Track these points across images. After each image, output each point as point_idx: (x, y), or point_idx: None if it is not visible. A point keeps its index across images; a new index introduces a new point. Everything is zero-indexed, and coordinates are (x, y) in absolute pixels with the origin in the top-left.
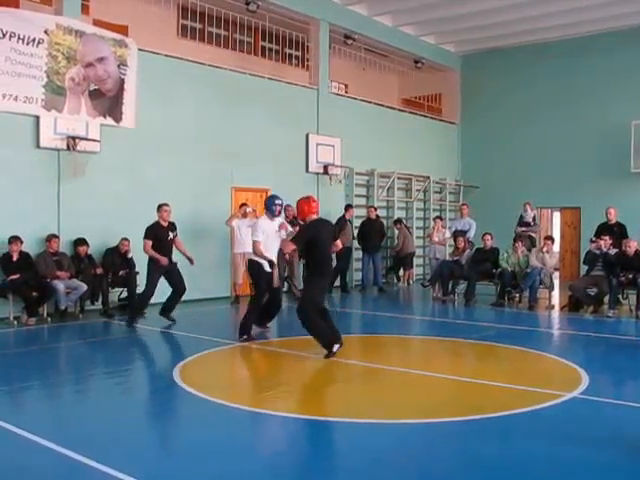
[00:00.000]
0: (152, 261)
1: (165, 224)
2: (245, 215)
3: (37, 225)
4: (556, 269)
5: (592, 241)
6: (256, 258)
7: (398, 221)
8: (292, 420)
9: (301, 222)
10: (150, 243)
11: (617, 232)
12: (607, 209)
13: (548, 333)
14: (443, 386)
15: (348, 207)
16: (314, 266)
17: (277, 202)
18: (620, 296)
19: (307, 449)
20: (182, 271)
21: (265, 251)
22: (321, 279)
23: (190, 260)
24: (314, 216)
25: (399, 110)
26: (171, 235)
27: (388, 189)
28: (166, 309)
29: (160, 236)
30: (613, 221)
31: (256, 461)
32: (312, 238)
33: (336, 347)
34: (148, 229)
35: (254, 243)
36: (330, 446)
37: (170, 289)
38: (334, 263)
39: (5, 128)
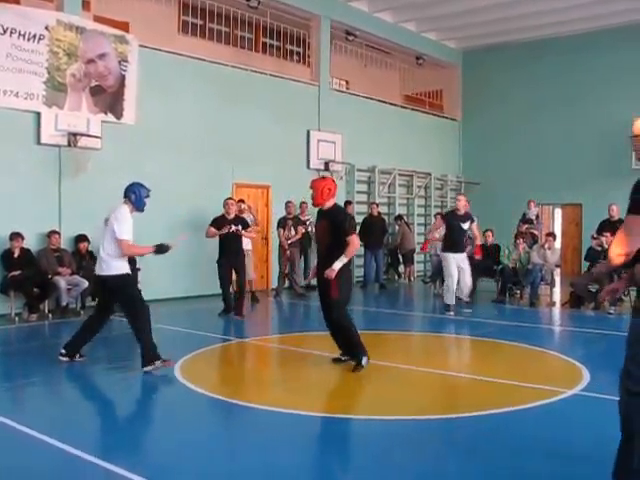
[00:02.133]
0: (219, 259)
1: (229, 217)
2: (241, 212)
3: (38, 221)
4: (557, 266)
5: (594, 238)
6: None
7: (399, 217)
8: (293, 417)
9: (319, 207)
10: (211, 229)
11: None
12: (609, 205)
13: (549, 330)
14: (442, 383)
15: (347, 203)
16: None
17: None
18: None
19: (308, 446)
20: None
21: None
22: (350, 274)
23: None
24: (333, 201)
25: (400, 106)
26: (233, 228)
27: (389, 186)
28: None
29: (221, 227)
30: (615, 218)
31: (259, 458)
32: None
33: (366, 360)
34: (213, 220)
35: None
36: (331, 443)
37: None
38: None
39: (6, 124)
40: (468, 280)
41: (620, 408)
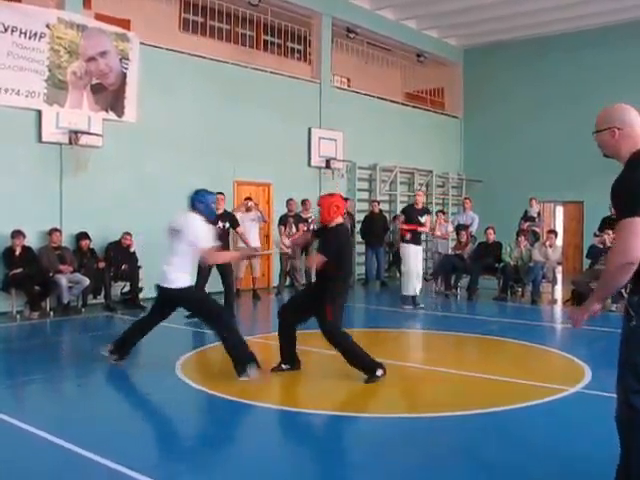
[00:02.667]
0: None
1: (219, 212)
2: (248, 209)
3: (39, 219)
4: (559, 263)
5: (596, 235)
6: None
7: (396, 217)
8: (295, 415)
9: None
10: None
11: None
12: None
13: (551, 327)
14: (444, 380)
15: (345, 200)
16: (339, 279)
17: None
18: (623, 290)
19: (309, 443)
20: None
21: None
22: (345, 294)
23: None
24: (341, 218)
25: (402, 104)
26: (220, 225)
27: (390, 183)
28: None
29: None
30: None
31: (260, 455)
32: (346, 246)
33: (380, 372)
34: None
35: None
36: (332, 440)
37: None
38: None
39: (7, 122)
40: (419, 270)
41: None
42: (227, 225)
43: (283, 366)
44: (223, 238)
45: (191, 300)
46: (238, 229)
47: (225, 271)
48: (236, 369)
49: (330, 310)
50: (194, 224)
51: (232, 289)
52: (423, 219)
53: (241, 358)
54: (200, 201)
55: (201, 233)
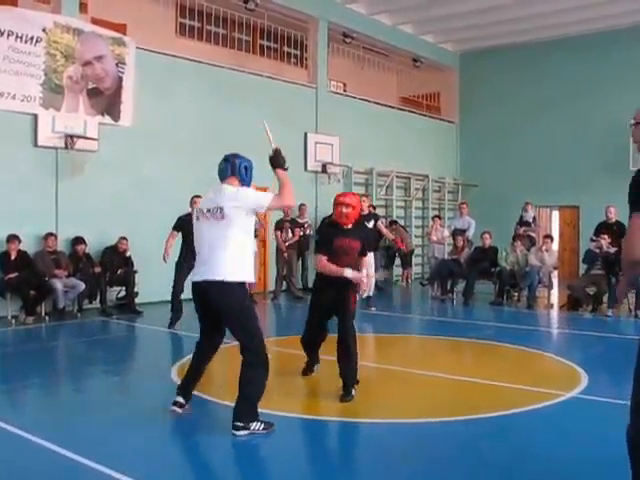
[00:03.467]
0: (179, 259)
1: None
2: None
3: (35, 224)
4: (555, 268)
5: (593, 240)
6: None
7: (394, 222)
8: (292, 420)
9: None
10: (174, 233)
11: (617, 231)
12: (607, 207)
13: (547, 332)
14: (441, 385)
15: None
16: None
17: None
18: (620, 296)
19: (310, 449)
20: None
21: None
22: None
23: None
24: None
25: (398, 109)
26: None
27: (387, 188)
28: None
29: (187, 228)
30: (613, 220)
31: (259, 463)
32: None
33: (354, 392)
34: (178, 219)
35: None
36: (332, 445)
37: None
38: None
39: (3, 126)
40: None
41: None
42: None
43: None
44: None
45: (243, 301)
46: None
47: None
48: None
49: (355, 299)
50: (236, 190)
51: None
52: (370, 225)
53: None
54: (246, 166)
55: (253, 192)
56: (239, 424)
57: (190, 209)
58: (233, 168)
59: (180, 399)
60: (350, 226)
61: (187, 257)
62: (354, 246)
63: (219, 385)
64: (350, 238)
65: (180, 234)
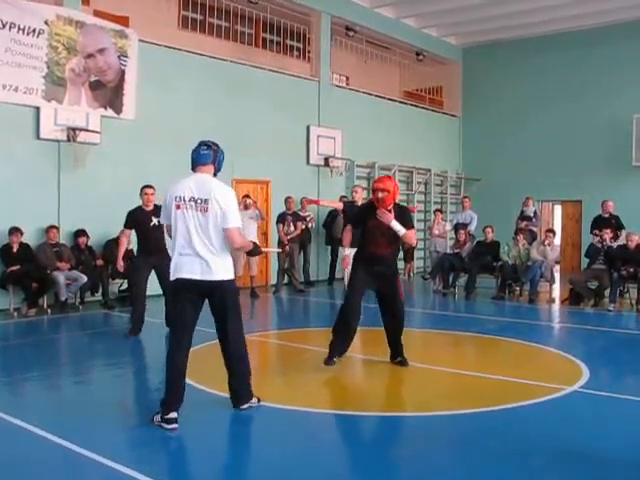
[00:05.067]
0: (137, 256)
1: (148, 209)
2: (246, 207)
3: (37, 216)
4: (557, 262)
5: (595, 234)
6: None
7: None
8: (293, 413)
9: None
10: (127, 232)
11: (614, 224)
12: (605, 202)
13: (549, 326)
14: (442, 379)
15: (342, 197)
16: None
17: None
18: (621, 289)
19: (309, 442)
20: None
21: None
22: None
23: None
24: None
25: (400, 102)
26: (155, 221)
27: None
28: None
29: (141, 222)
30: (610, 214)
31: (258, 455)
32: None
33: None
34: (128, 214)
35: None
36: (331, 439)
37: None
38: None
39: (5, 119)
40: None
41: None
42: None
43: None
44: (158, 235)
45: (237, 297)
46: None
47: (162, 272)
48: (245, 394)
49: (401, 286)
50: (226, 194)
51: (139, 298)
52: None
53: (249, 380)
54: (223, 157)
55: (234, 207)
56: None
57: (140, 201)
58: (214, 156)
59: (175, 415)
60: (389, 209)
61: (144, 254)
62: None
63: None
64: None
65: (133, 231)
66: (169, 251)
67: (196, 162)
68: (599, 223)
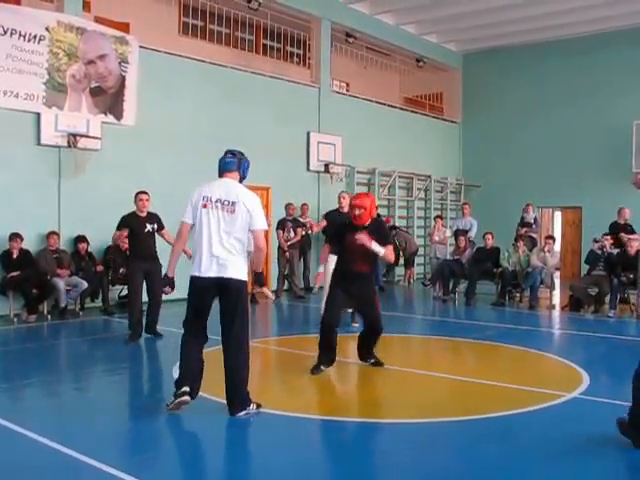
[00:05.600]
0: (130, 262)
1: (142, 215)
2: None
3: (37, 222)
4: (557, 269)
5: (595, 241)
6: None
7: (393, 227)
8: (293, 419)
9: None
10: (121, 234)
11: (630, 232)
12: (622, 209)
13: (549, 333)
14: (443, 385)
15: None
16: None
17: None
18: (620, 295)
19: (308, 449)
20: (181, 268)
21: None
22: None
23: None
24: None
25: (400, 109)
26: (149, 227)
27: (389, 188)
28: (149, 325)
29: (135, 228)
30: (626, 221)
31: (258, 461)
32: None
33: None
34: (122, 219)
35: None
36: (332, 446)
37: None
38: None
39: (6, 125)
40: None
41: None
42: (155, 227)
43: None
44: (151, 241)
45: (246, 298)
46: (163, 231)
47: (155, 279)
48: (242, 401)
49: (378, 300)
50: (252, 197)
51: (159, 302)
52: None
53: (246, 387)
54: (248, 165)
55: (260, 211)
56: (240, 407)
57: (135, 207)
58: (239, 164)
59: (187, 388)
60: (366, 225)
61: (137, 259)
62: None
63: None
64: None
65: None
66: (190, 250)
67: (222, 169)
68: (615, 230)
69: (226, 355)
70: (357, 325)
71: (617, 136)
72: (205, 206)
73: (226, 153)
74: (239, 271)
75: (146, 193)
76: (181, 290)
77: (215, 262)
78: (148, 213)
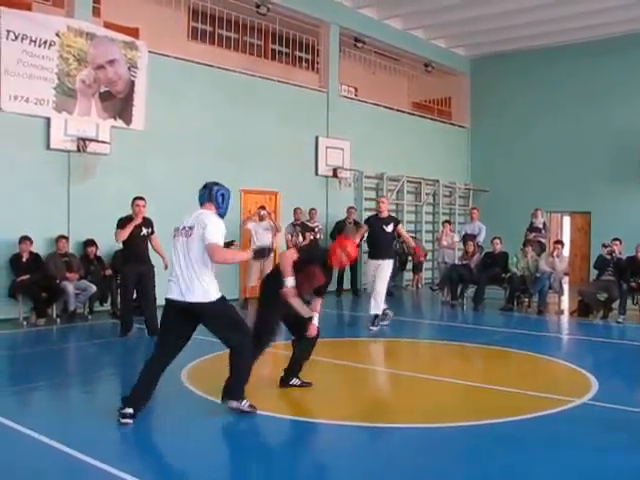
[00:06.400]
0: (124, 265)
1: (138, 221)
2: (262, 218)
3: (47, 226)
4: (566, 274)
5: (605, 246)
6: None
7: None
8: (299, 423)
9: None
10: (121, 232)
11: None
12: None
13: (557, 338)
14: (451, 390)
15: (350, 209)
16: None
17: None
18: (630, 301)
19: (314, 453)
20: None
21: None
22: None
23: (164, 264)
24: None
25: (409, 113)
26: (144, 231)
27: (397, 192)
28: (149, 326)
29: (131, 231)
30: None
31: (261, 465)
32: None
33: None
34: (119, 220)
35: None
36: (337, 450)
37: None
38: None
39: (16, 129)
40: (377, 288)
41: None
42: (149, 231)
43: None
44: (144, 245)
45: (225, 310)
46: (153, 236)
47: (148, 282)
48: (235, 391)
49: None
50: (208, 217)
51: (153, 302)
52: (389, 228)
53: (243, 384)
54: (222, 194)
55: (214, 227)
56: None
57: (131, 211)
58: (210, 195)
59: (130, 410)
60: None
61: (131, 262)
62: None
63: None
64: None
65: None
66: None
67: (199, 203)
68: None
69: (230, 355)
70: (374, 330)
71: (626, 141)
72: (175, 236)
73: (202, 186)
74: (203, 293)
75: (143, 199)
76: None
77: (183, 286)
78: (143, 218)
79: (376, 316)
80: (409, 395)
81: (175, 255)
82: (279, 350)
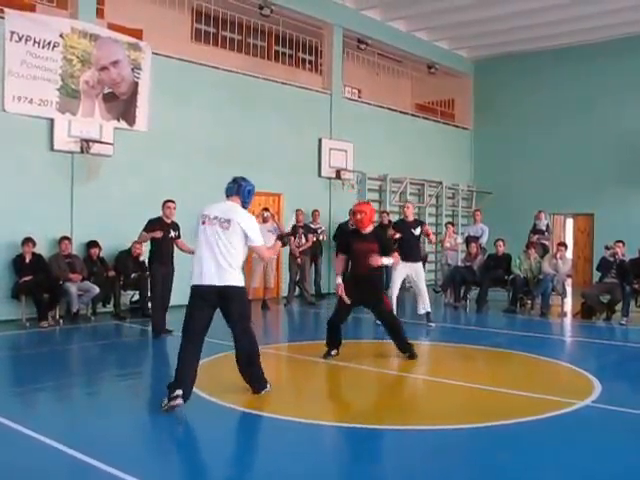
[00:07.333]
0: (152, 265)
1: (168, 221)
2: (265, 220)
3: (50, 227)
4: (569, 276)
5: (607, 248)
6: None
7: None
8: (304, 426)
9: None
10: (151, 234)
11: None
12: None
13: (560, 340)
14: (454, 392)
15: (382, 213)
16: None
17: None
18: (634, 303)
19: (319, 456)
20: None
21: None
22: None
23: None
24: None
25: (412, 115)
26: (172, 234)
27: (400, 194)
28: (155, 328)
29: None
30: None
31: (267, 467)
32: None
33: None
34: (149, 222)
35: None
36: (342, 452)
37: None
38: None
39: (20, 130)
40: (421, 288)
41: None
42: (177, 234)
43: (332, 352)
44: (171, 246)
45: (246, 301)
46: (179, 240)
47: (169, 283)
48: (259, 383)
49: (387, 299)
50: (245, 217)
51: (163, 309)
52: (417, 232)
53: (262, 375)
54: (249, 190)
55: (255, 231)
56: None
57: (161, 212)
58: (238, 189)
59: (179, 392)
60: (368, 231)
61: (158, 263)
62: (373, 249)
63: (244, 394)
64: (368, 242)
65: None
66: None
67: (225, 194)
68: None
69: (238, 344)
70: (433, 325)
71: (629, 142)
72: (204, 222)
73: (231, 180)
74: (236, 279)
75: (173, 201)
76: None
77: (215, 272)
78: (172, 221)
79: (428, 313)
80: (412, 397)
81: (205, 241)
82: (279, 351)
